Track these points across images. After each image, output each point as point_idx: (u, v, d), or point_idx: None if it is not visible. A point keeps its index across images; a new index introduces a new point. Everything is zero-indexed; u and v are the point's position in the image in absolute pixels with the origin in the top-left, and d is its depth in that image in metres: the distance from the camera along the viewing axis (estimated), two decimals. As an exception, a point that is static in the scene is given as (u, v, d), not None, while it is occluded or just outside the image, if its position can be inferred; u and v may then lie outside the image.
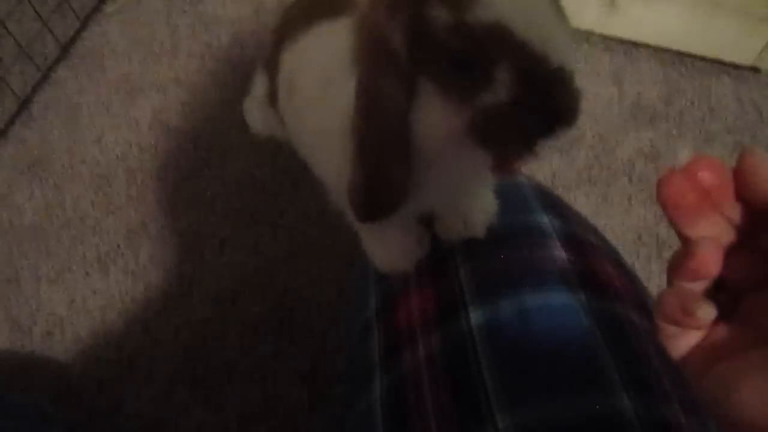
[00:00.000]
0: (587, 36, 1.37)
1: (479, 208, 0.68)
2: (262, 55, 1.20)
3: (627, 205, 1.18)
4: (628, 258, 1.13)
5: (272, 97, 1.04)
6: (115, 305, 1.09)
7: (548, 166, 1.21)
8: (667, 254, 1.12)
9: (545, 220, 0.70)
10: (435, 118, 0.48)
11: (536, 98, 0.45)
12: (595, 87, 1.31)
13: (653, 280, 1.11)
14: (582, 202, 1.17)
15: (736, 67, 1.34)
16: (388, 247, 0.69)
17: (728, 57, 1.33)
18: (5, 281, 1.12)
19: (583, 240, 0.69)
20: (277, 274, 1.10)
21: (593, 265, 0.66)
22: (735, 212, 0.37)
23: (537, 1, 0.46)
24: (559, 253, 0.65)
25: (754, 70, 1.35)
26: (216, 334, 1.05)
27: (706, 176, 0.36)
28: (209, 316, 1.07)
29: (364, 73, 0.50)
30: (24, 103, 1.33)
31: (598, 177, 1.20)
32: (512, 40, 0.44)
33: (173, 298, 1.09)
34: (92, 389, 1.02)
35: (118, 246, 1.14)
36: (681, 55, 1.36)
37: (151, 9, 1.47)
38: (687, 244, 0.36)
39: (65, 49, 1.41)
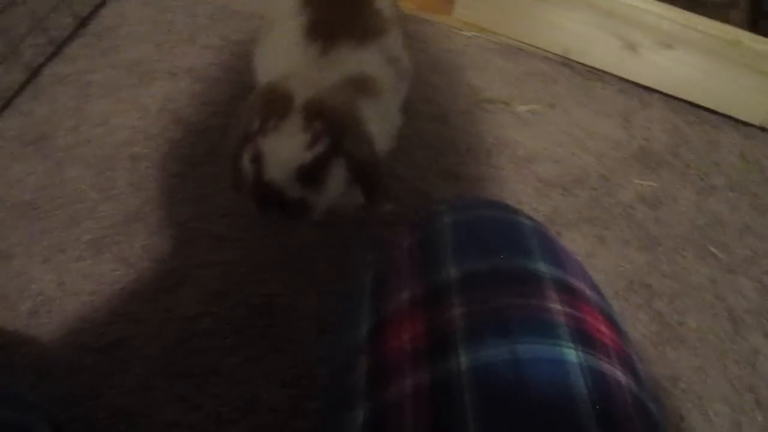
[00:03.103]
0: (602, 76, 1.38)
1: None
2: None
3: (623, 249, 1.18)
4: (618, 303, 1.14)
5: None
6: (104, 291, 1.09)
7: (549, 201, 1.22)
8: (658, 305, 1.13)
9: (543, 267, 0.70)
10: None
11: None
12: (604, 128, 1.32)
13: (639, 328, 1.12)
14: (579, 242, 1.18)
15: (745, 124, 1.36)
16: None
17: (739, 114, 1.34)
18: (-3, 254, 1.12)
19: (578, 292, 0.69)
20: (269, 278, 1.10)
21: (586, 320, 0.66)
22: None
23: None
24: (554, 304, 0.65)
25: (763, 129, 1.36)
26: (201, 332, 1.05)
27: None
28: (196, 313, 1.06)
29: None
30: (33, 75, 1.33)
31: (597, 218, 1.21)
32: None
33: (162, 291, 1.08)
34: (71, 374, 1.01)
35: (114, 232, 1.14)
36: (692, 106, 1.37)
37: (172, -6, 1.47)
38: None
39: (82, 25, 1.40)
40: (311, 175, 0.87)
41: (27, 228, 1.15)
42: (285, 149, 0.85)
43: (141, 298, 1.08)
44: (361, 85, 0.96)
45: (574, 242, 1.18)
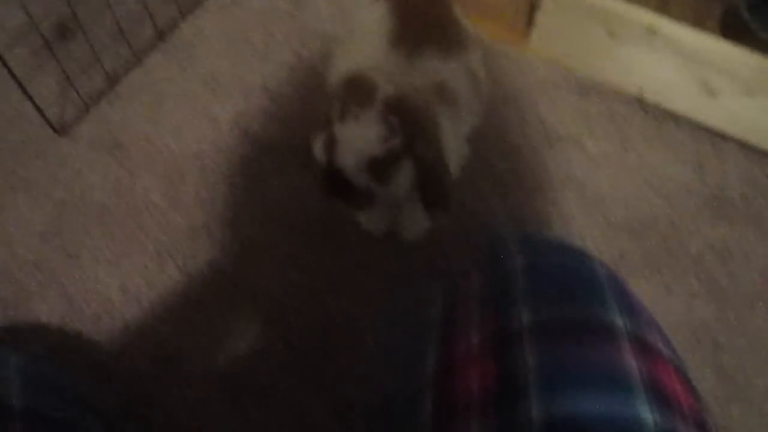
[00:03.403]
0: (677, 119, 1.35)
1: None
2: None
3: (689, 301, 1.15)
4: (682, 356, 1.10)
5: None
6: (167, 301, 1.10)
7: (616, 245, 1.19)
8: (724, 361, 1.09)
9: (618, 318, 0.68)
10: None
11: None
12: (676, 172, 1.29)
13: (703, 384, 1.08)
14: (644, 289, 1.15)
15: (825, 179, 1.31)
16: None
17: (819, 168, 1.30)
18: (66, 255, 1.14)
19: (654, 348, 0.67)
20: (330, 302, 1.10)
21: (662, 379, 0.64)
22: None
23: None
24: (629, 359, 0.63)
25: (843, 185, 1.31)
26: (259, 350, 1.06)
27: None
28: (256, 332, 1.07)
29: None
30: (113, 83, 1.36)
31: (665, 265, 1.18)
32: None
33: (223, 306, 1.09)
34: (130, 380, 1.03)
35: (179, 243, 1.16)
36: (770, 157, 1.33)
37: (250, 10, 1.49)
38: None
39: (161, 37, 1.44)
40: (381, 168, 0.88)
41: (96, 231, 1.18)
42: (360, 138, 0.87)
43: (202, 312, 1.09)
44: (441, 94, 0.97)
45: (640, 289, 1.14)
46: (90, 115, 1.32)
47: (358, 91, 0.90)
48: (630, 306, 0.71)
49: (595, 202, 1.24)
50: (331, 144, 0.89)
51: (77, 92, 1.31)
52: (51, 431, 0.69)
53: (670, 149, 1.32)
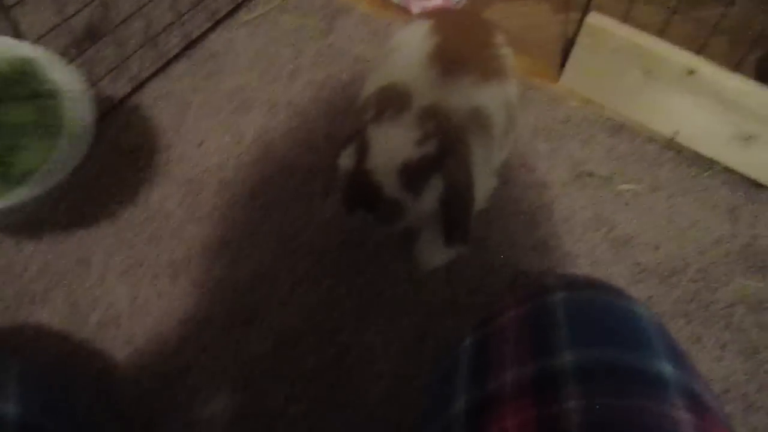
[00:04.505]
0: (710, 164, 1.31)
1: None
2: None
3: (719, 352, 1.10)
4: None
5: None
6: (176, 315, 1.06)
7: (644, 288, 1.15)
8: (754, 418, 1.04)
9: (667, 369, 0.63)
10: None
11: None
12: (708, 218, 1.25)
13: (733, 441, 1.02)
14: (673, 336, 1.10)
15: None
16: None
17: None
18: (76, 260, 1.10)
19: (703, 401, 0.62)
20: (343, 329, 1.05)
21: (713, 433, 0.59)
22: None
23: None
24: (682, 414, 0.58)
25: None
26: (268, 375, 1.01)
27: None
28: (265, 353, 1.02)
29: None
30: (137, 88, 1.34)
31: (694, 314, 1.13)
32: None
33: (234, 324, 1.05)
34: (133, 396, 0.98)
35: (194, 255, 1.12)
36: (806, 209, 1.29)
37: (282, 28, 1.47)
38: None
39: (190, 46, 1.42)
40: (412, 176, 0.85)
41: (110, 237, 1.14)
42: (395, 140, 0.84)
43: (211, 328, 1.04)
44: (475, 119, 0.93)
45: (668, 336, 1.10)
46: (112, 118, 1.29)
47: (393, 97, 0.88)
48: (677, 355, 0.66)
49: (624, 242, 1.20)
50: (362, 147, 0.86)
51: (100, 93, 1.29)
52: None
53: (703, 194, 1.28)
